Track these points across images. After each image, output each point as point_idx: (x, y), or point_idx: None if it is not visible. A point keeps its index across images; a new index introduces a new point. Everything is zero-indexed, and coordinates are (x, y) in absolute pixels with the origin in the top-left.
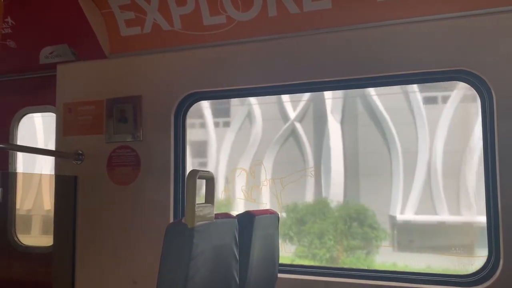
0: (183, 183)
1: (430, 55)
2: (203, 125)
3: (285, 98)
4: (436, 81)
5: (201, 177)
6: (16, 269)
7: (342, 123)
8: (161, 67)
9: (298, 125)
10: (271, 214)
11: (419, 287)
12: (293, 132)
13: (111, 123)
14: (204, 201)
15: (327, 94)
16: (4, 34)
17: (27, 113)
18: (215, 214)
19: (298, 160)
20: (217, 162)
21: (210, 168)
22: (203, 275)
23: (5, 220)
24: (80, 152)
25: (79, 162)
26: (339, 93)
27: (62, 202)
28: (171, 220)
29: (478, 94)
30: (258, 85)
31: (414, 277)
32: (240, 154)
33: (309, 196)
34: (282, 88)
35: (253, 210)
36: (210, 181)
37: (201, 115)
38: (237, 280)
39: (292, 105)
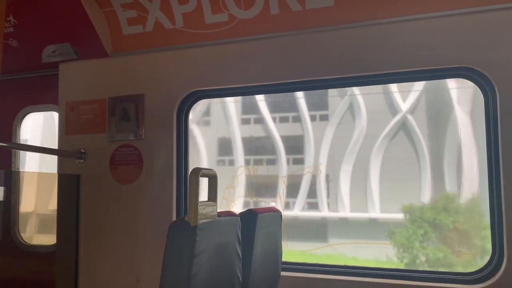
0: (186, 181)
1: (434, 52)
2: (297, 119)
3: (394, 88)
4: (440, 78)
5: (203, 175)
6: (19, 268)
7: (472, 113)
8: (163, 66)
9: (410, 118)
10: (274, 212)
11: (422, 285)
12: (403, 126)
13: (113, 121)
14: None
15: (450, 83)
16: (6, 33)
17: (30, 112)
18: (218, 212)
19: (411, 156)
20: (315, 159)
21: (308, 165)
22: (206, 273)
23: (8, 219)
24: (83, 151)
25: (81, 161)
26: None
27: (65, 200)
28: (174, 218)
29: (482, 92)
30: (261, 83)
31: (417, 274)
32: (342, 150)
33: (426, 194)
34: (284, 86)
35: (255, 208)
36: (213, 179)
37: (292, 109)
38: (240, 278)
39: (402, 96)
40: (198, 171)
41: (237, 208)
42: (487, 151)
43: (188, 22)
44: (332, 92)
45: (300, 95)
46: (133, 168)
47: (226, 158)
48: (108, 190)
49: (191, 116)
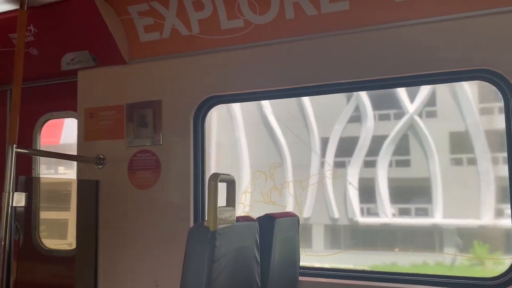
0: (203, 186)
1: (451, 54)
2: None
3: None
4: (459, 81)
5: (222, 180)
6: (40, 272)
7: None
8: (180, 72)
9: None
10: (291, 217)
11: None
12: None
13: (131, 127)
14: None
15: None
16: (27, 41)
17: (49, 119)
18: (236, 217)
19: None
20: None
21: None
22: (226, 277)
23: (30, 224)
24: (102, 157)
25: (100, 167)
26: None
27: (84, 206)
28: (192, 222)
29: (501, 94)
30: (277, 87)
31: (437, 279)
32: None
33: None
34: (301, 90)
35: (273, 213)
36: (231, 184)
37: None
38: (259, 283)
39: None
40: (216, 176)
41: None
42: (507, 153)
43: (204, 28)
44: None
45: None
46: (151, 173)
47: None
48: (127, 195)
49: None
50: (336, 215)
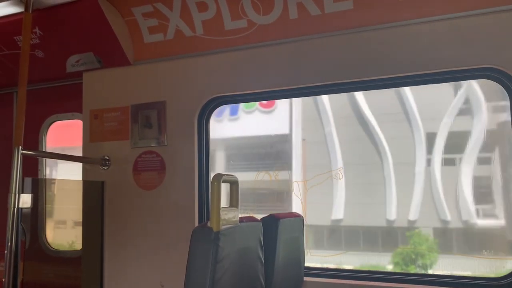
0: (207, 186)
1: (458, 53)
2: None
3: None
4: (464, 79)
5: (225, 181)
6: (47, 273)
7: None
8: (184, 73)
9: None
10: (295, 217)
11: None
12: None
13: (136, 128)
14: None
15: None
16: (32, 44)
17: (55, 121)
18: (240, 217)
19: None
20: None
21: None
22: (229, 278)
23: (36, 225)
24: (107, 158)
25: (105, 168)
26: None
27: (90, 207)
28: (196, 223)
29: (507, 93)
30: (281, 87)
31: (444, 280)
32: None
33: None
34: (306, 90)
35: (277, 213)
36: (234, 184)
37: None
38: (263, 283)
39: None
40: (220, 177)
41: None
42: None
43: (208, 29)
44: None
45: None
46: (156, 174)
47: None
48: (132, 196)
49: None
50: (448, 217)
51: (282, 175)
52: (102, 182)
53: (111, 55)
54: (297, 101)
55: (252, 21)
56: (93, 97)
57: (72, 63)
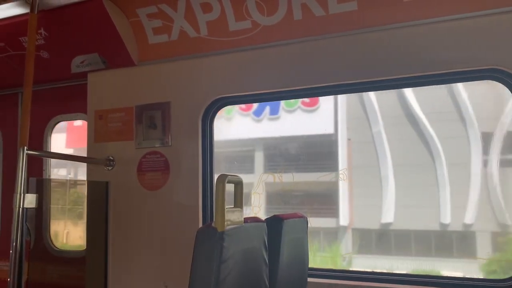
0: (211, 187)
1: (462, 54)
2: None
3: None
4: (469, 81)
5: (230, 182)
6: (51, 273)
7: None
8: (188, 73)
9: None
10: (299, 218)
11: None
12: None
13: (140, 129)
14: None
15: None
16: (38, 45)
17: (60, 121)
18: (244, 218)
19: None
20: None
21: None
22: (234, 279)
23: (41, 225)
24: (111, 158)
25: (110, 168)
26: None
27: (94, 207)
28: (200, 223)
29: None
30: (285, 88)
31: (450, 281)
32: None
33: None
34: (310, 90)
35: (281, 214)
36: (239, 185)
37: None
38: (267, 284)
39: None
40: (224, 178)
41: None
42: None
43: (212, 30)
44: None
45: None
46: (160, 175)
47: None
48: (136, 196)
49: None
50: (509, 221)
51: (327, 176)
52: (107, 183)
53: (116, 56)
54: (341, 99)
55: (257, 22)
56: (97, 97)
57: (77, 63)
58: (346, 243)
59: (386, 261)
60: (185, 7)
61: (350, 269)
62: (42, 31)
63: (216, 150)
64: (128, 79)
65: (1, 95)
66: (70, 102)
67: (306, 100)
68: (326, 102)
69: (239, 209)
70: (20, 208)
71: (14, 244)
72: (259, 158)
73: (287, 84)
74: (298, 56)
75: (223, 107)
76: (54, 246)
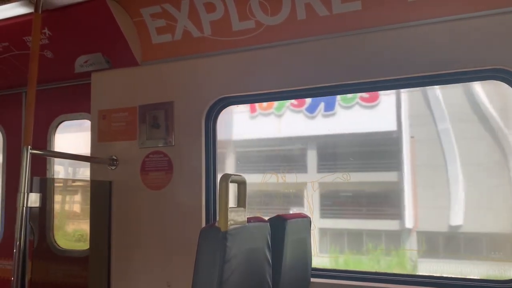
0: (215, 187)
1: (466, 54)
2: None
3: None
4: (473, 81)
5: (233, 181)
6: (54, 272)
7: None
8: (191, 73)
9: None
10: (303, 218)
11: None
12: None
13: (144, 129)
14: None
15: None
16: (42, 44)
17: (64, 120)
18: (247, 218)
19: None
20: None
21: None
22: (237, 278)
23: (44, 224)
24: (115, 158)
25: (113, 168)
26: None
27: (97, 206)
28: (204, 223)
29: None
30: (288, 88)
31: (453, 282)
32: None
33: None
34: (313, 90)
35: (284, 214)
36: (242, 185)
37: None
38: (270, 284)
39: None
40: (228, 177)
41: None
42: None
43: (216, 30)
44: None
45: None
46: (163, 174)
47: None
48: (139, 196)
49: None
50: None
51: (387, 176)
52: (110, 182)
53: (120, 56)
54: (404, 95)
55: (260, 21)
56: (101, 97)
57: (81, 63)
58: (411, 247)
59: (455, 266)
60: (189, 7)
61: (352, 269)
62: (46, 30)
63: (264, 148)
64: (132, 79)
65: (5, 94)
66: (74, 102)
67: (365, 95)
68: (387, 97)
69: (242, 209)
70: (24, 208)
71: (17, 243)
72: (311, 156)
73: (291, 83)
74: (302, 56)
75: (226, 107)
76: (58, 245)
